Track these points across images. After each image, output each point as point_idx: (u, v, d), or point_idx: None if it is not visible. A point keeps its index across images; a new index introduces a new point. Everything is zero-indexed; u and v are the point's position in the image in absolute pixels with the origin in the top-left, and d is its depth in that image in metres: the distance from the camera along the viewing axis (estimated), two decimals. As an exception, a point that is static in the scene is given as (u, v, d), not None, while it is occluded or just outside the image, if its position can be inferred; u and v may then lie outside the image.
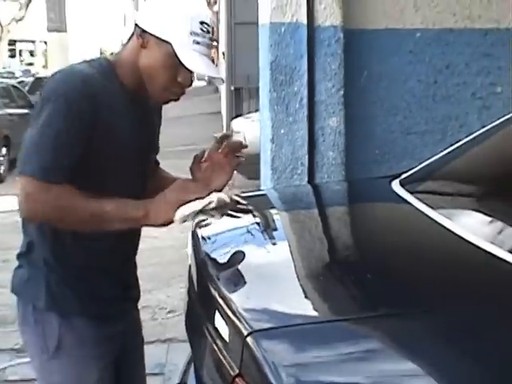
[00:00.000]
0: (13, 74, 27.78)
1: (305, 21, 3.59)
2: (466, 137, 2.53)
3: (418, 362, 1.34)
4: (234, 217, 2.09)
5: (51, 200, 1.78)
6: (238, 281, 1.77)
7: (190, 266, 2.16)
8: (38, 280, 1.96)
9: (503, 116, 2.46)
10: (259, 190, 3.71)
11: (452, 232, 1.83)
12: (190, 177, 2.07)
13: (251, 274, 1.83)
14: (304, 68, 3.61)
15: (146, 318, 4.14)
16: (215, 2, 23.47)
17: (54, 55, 38.13)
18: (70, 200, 1.80)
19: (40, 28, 39.27)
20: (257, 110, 6.01)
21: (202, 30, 1.86)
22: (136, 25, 1.91)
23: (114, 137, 1.89)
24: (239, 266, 1.86)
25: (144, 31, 1.89)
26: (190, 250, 2.19)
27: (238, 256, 1.97)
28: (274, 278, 1.80)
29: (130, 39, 1.94)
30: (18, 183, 1.79)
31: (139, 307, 2.21)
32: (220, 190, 2.00)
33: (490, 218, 1.98)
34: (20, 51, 41.22)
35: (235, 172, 2.09)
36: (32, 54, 41.90)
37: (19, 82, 17.35)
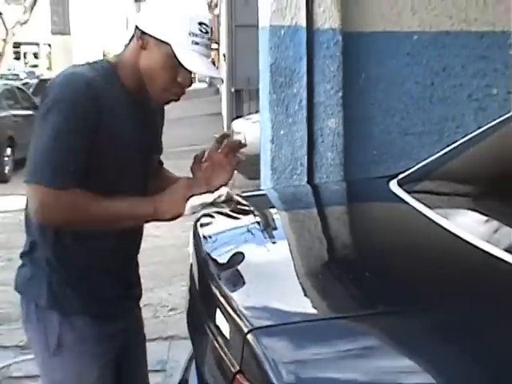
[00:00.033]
0: (17, 75, 27.75)
1: (304, 24, 3.59)
2: (463, 138, 2.53)
3: (416, 359, 1.34)
4: (235, 216, 2.09)
5: (65, 205, 1.80)
6: (238, 279, 1.77)
7: (191, 265, 2.15)
8: (41, 279, 1.96)
9: (499, 117, 2.46)
10: (259, 189, 3.71)
11: (449, 231, 1.83)
12: (191, 176, 2.07)
13: (251, 272, 1.83)
14: (303, 70, 3.61)
15: (148, 316, 4.14)
16: (216, 5, 23.47)
17: (58, 57, 38.20)
18: (83, 203, 1.82)
19: (44, 31, 39.30)
20: (257, 112, 6.01)
21: (200, 30, 1.85)
22: (136, 27, 1.91)
23: (116, 139, 1.89)
24: (240, 265, 1.86)
25: (144, 33, 1.88)
26: (191, 248, 2.19)
27: (239, 255, 1.97)
28: (274, 276, 1.79)
29: (130, 41, 1.94)
30: (29, 191, 1.81)
31: (141, 305, 2.21)
32: (219, 189, 2.01)
33: (486, 217, 1.98)
34: (24, 54, 41.17)
35: (235, 172, 2.10)
36: (36, 56, 41.85)
37: (24, 84, 17.34)
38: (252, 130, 6.99)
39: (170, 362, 3.91)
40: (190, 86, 1.93)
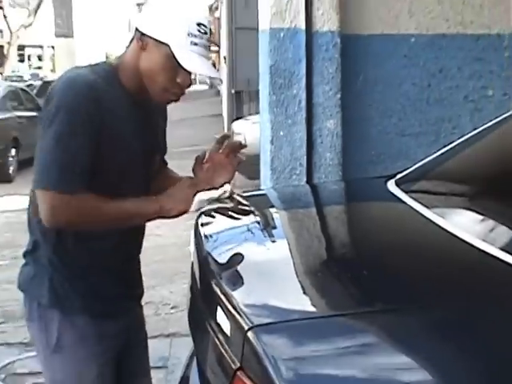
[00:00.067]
0: (22, 77, 27.76)
1: (303, 26, 3.59)
2: (459, 138, 2.52)
3: (413, 357, 1.34)
4: (235, 216, 2.09)
5: (74, 208, 1.81)
6: (238, 278, 1.77)
7: (192, 263, 2.15)
8: (43, 278, 1.95)
9: (494, 118, 2.45)
10: (259, 189, 3.70)
11: (445, 230, 1.82)
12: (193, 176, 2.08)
13: (251, 270, 1.83)
14: (302, 72, 3.61)
15: (149, 314, 4.15)
16: (217, 8, 23.48)
17: (62, 60, 38.22)
18: (91, 205, 1.83)
19: (48, 34, 39.31)
20: (257, 113, 6.00)
21: (199, 31, 1.85)
22: (136, 28, 1.91)
23: (117, 141, 1.89)
24: (240, 264, 1.86)
25: (143, 34, 1.88)
26: (192, 247, 2.19)
27: (239, 254, 1.96)
28: (274, 274, 1.79)
29: (130, 43, 1.93)
30: (39, 196, 1.81)
31: (143, 303, 2.21)
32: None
33: (482, 217, 1.98)
34: (29, 56, 41.19)
35: (236, 172, 2.10)
36: (40, 58, 41.87)
37: (28, 86, 17.33)
38: (252, 131, 6.99)
39: (172, 359, 3.91)
40: (189, 86, 1.93)
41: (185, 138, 13.30)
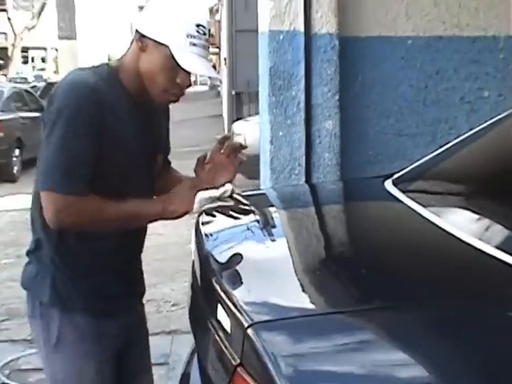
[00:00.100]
0: (25, 79, 27.75)
1: (302, 29, 3.58)
2: (455, 139, 2.52)
3: (410, 353, 1.34)
4: (235, 215, 2.09)
5: (77, 210, 1.80)
6: (238, 275, 1.77)
7: (193, 262, 2.15)
8: (45, 277, 1.95)
9: (490, 119, 2.45)
10: (259, 189, 3.70)
11: (442, 229, 1.82)
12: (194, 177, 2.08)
13: (251, 269, 1.83)
14: (301, 73, 3.61)
15: (151, 311, 4.15)
16: (217, 11, 23.49)
17: (65, 61, 38.20)
18: (95, 207, 1.83)
19: (51, 36, 39.30)
20: (257, 114, 6.00)
21: (198, 32, 1.84)
22: (136, 30, 1.90)
23: (118, 142, 1.88)
24: (240, 262, 1.86)
25: (143, 36, 1.87)
26: (193, 246, 2.19)
27: (239, 252, 1.96)
28: (273, 272, 1.79)
29: (131, 44, 1.93)
30: (43, 198, 1.81)
31: (145, 301, 2.21)
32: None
33: (477, 216, 1.98)
34: (32, 58, 41.16)
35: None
36: (43, 60, 41.85)
37: (31, 87, 17.34)
38: (252, 132, 6.98)
39: (173, 356, 3.92)
40: (188, 86, 1.92)
41: (186, 138, 13.30)
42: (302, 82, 3.61)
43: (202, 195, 1.86)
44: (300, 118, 3.62)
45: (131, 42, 1.92)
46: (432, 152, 2.50)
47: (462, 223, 1.88)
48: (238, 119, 11.25)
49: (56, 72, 38.13)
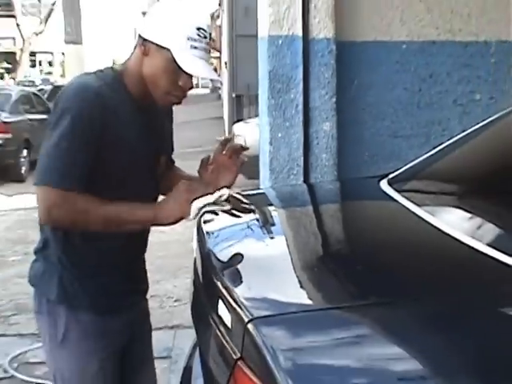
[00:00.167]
0: (33, 82, 27.73)
1: (300, 33, 3.58)
2: (448, 140, 2.52)
3: (406, 347, 1.34)
4: (236, 214, 2.09)
5: (69, 207, 1.77)
6: (239, 272, 1.77)
7: (195, 259, 2.15)
8: (52, 275, 1.94)
9: (482, 121, 2.45)
10: (258, 188, 3.70)
11: (436, 227, 1.82)
12: (197, 175, 2.07)
13: (251, 266, 1.82)
14: (300, 77, 3.60)
15: (154, 306, 4.14)
16: (218, 16, 23.48)
17: (71, 65, 38.20)
18: (86, 206, 1.79)
19: (58, 40, 39.27)
20: (256, 116, 6.00)
21: (198, 35, 1.83)
22: (139, 35, 1.90)
23: (122, 146, 1.87)
24: (240, 259, 1.85)
25: (146, 40, 1.86)
26: (195, 243, 2.19)
27: (239, 250, 1.96)
28: (273, 269, 1.79)
29: (134, 49, 1.92)
30: (38, 193, 1.78)
31: (148, 297, 2.20)
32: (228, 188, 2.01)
33: (470, 215, 1.97)
34: (40, 62, 41.13)
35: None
36: (51, 64, 41.81)
37: (39, 90, 17.32)
38: (252, 133, 6.99)
39: (175, 350, 3.92)
40: (191, 88, 1.91)
41: (189, 139, 13.30)
42: (300, 85, 3.60)
43: (196, 204, 1.79)
44: (298, 120, 3.62)
45: (135, 47, 1.92)
46: (426, 153, 2.50)
47: (454, 221, 1.88)
48: (238, 121, 11.26)
49: (62, 75, 38.12)
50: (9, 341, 4.24)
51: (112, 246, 1.92)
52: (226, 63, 15.52)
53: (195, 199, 1.79)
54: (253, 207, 2.26)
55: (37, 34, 31.25)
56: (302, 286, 1.70)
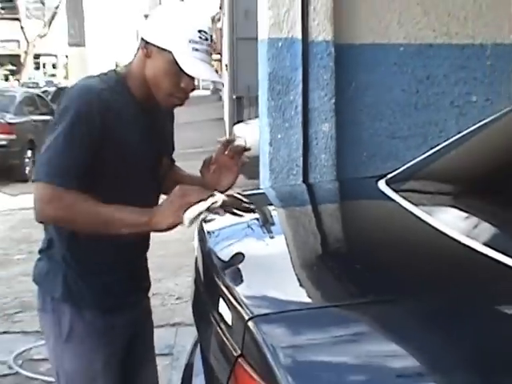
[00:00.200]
0: (37, 84, 27.70)
1: (300, 36, 3.58)
2: (445, 141, 2.52)
3: (404, 344, 1.34)
4: (236, 213, 2.09)
5: (63, 204, 1.75)
6: (239, 271, 1.77)
7: (196, 258, 2.15)
8: (57, 274, 1.94)
9: (478, 122, 2.45)
10: (258, 188, 3.70)
11: (432, 226, 1.82)
12: (198, 174, 2.07)
13: (252, 264, 1.82)
14: (299, 79, 3.60)
15: (156, 304, 4.15)
16: (219, 20, 23.48)
17: (74, 67, 38.20)
18: (79, 204, 1.76)
19: (61, 43, 39.26)
20: (256, 117, 6.00)
21: (200, 37, 1.82)
22: (141, 38, 1.90)
23: (125, 147, 1.87)
24: (241, 258, 1.85)
25: (148, 43, 1.86)
26: (196, 242, 2.18)
27: (240, 249, 1.96)
28: (272, 268, 1.79)
29: (137, 52, 1.92)
30: (34, 189, 1.77)
31: (150, 295, 2.20)
32: (228, 189, 2.01)
33: (466, 214, 1.97)
34: (44, 64, 41.11)
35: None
36: (54, 66, 41.80)
37: (43, 92, 17.31)
38: (252, 134, 6.98)
39: (177, 347, 3.92)
40: (193, 90, 1.90)
41: (190, 140, 13.30)
42: (299, 87, 3.60)
43: (189, 213, 1.72)
44: (298, 121, 3.62)
45: (137, 50, 1.91)
46: (423, 153, 2.50)
47: (451, 221, 1.88)
48: (238, 122, 11.26)
49: (66, 77, 38.10)
50: (13, 338, 4.24)
51: (116, 245, 1.91)
52: (226, 65, 15.53)
53: (189, 207, 1.73)
54: (253, 207, 2.26)
55: (41, 37, 31.27)
56: (301, 285, 1.70)
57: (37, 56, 36.50)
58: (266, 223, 2.20)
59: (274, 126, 3.63)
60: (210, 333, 1.72)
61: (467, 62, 3.83)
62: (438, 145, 2.52)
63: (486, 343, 1.32)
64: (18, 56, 33.91)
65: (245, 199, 2.27)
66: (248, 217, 2.19)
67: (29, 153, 11.38)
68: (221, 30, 21.41)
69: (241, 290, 1.60)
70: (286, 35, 3.59)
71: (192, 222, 1.75)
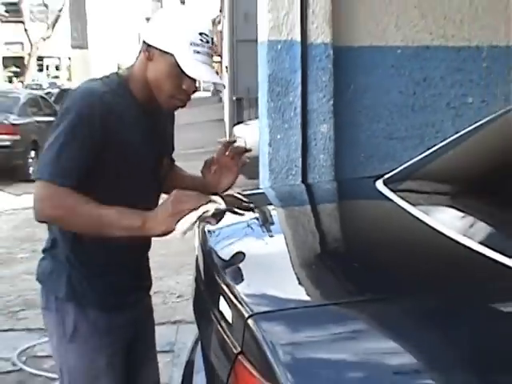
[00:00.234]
0: (40, 86, 27.72)
1: (299, 39, 3.58)
2: (442, 142, 2.52)
3: (401, 342, 1.34)
4: (236, 213, 2.09)
5: (60, 202, 1.73)
6: (239, 269, 1.76)
7: (196, 256, 2.14)
8: (61, 273, 1.93)
9: (474, 123, 2.45)
10: (258, 188, 3.70)
11: (429, 226, 1.82)
12: (199, 175, 2.07)
13: (251, 263, 1.82)
14: (298, 81, 3.60)
15: (157, 302, 4.15)
16: (219, 22, 23.47)
17: (77, 69, 38.22)
18: (79, 206, 1.74)
19: (65, 45, 39.28)
20: (256, 118, 6.00)
21: (201, 40, 1.82)
22: (143, 41, 1.89)
23: (127, 149, 1.86)
24: (241, 257, 1.85)
25: (149, 45, 1.86)
26: (196, 241, 2.18)
27: (240, 247, 1.96)
28: (272, 266, 1.79)
29: (139, 55, 1.92)
30: (35, 187, 1.77)
31: (152, 293, 2.20)
32: (228, 188, 2.01)
33: (462, 214, 1.97)
34: (47, 66, 41.11)
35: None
36: (57, 68, 41.80)
37: (46, 93, 17.32)
38: (252, 135, 6.98)
39: (178, 344, 3.91)
40: (194, 92, 1.90)
41: (191, 140, 13.30)
42: (298, 89, 3.60)
43: (181, 225, 1.70)
44: (297, 122, 3.62)
45: (139, 52, 1.91)
46: (420, 154, 2.50)
47: (447, 220, 1.88)
48: (238, 123, 11.25)
49: (69, 79, 38.12)
50: (17, 335, 4.24)
51: (120, 245, 1.88)
52: (226, 67, 15.52)
53: (182, 218, 1.70)
54: (253, 206, 2.25)
55: (44, 39, 31.29)
56: (300, 283, 1.69)
57: (40, 58, 36.51)
58: (266, 223, 2.20)
59: (273, 127, 3.63)
60: (210, 330, 1.72)
61: (463, 65, 3.83)
62: (434, 145, 2.52)
63: (483, 342, 1.32)
64: (22, 58, 33.95)
65: (245, 199, 2.27)
66: (248, 216, 2.19)
67: (32, 153, 11.37)
68: (221, 32, 21.40)
69: (241, 289, 1.60)
70: (286, 38, 3.59)
71: (185, 233, 1.72)
